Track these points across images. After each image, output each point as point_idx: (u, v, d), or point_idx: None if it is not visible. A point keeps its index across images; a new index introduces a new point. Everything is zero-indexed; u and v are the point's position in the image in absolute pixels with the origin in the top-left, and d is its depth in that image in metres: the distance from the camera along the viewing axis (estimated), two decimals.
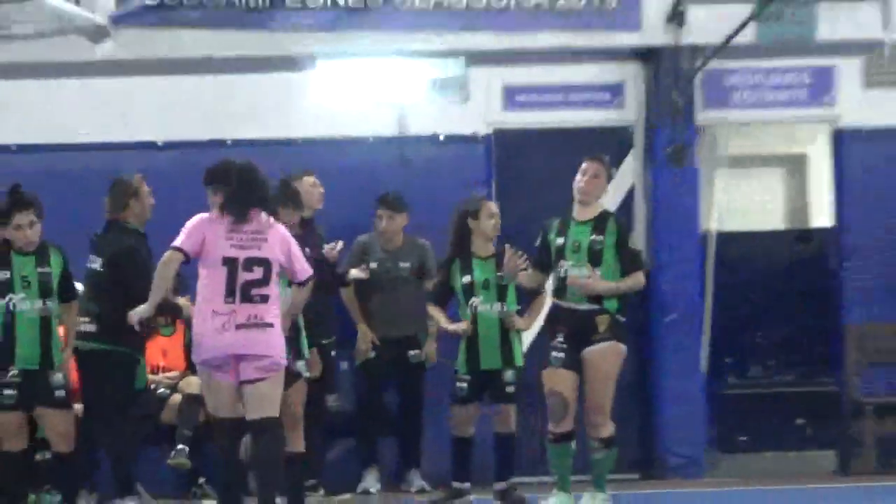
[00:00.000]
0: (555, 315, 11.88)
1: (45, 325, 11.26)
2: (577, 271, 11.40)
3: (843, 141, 16.58)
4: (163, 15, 15.68)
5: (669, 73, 16.21)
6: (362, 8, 15.96)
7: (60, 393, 11.13)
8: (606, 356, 11.72)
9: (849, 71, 16.40)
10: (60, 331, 12.36)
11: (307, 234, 12.94)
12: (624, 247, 11.78)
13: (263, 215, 9.97)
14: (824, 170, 17.35)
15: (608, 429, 11.73)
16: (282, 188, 11.48)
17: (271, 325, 9.74)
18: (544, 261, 11.83)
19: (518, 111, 16.36)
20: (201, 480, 14.40)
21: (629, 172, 16.42)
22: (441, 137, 16.09)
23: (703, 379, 15.95)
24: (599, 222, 11.91)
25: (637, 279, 11.93)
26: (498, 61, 16.31)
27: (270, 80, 16.20)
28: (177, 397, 14.63)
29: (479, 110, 16.18)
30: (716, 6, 15.92)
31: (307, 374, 10.93)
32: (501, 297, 13.10)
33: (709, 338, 16.09)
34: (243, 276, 9.79)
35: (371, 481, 14.53)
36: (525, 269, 12.03)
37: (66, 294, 11.57)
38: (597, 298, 11.50)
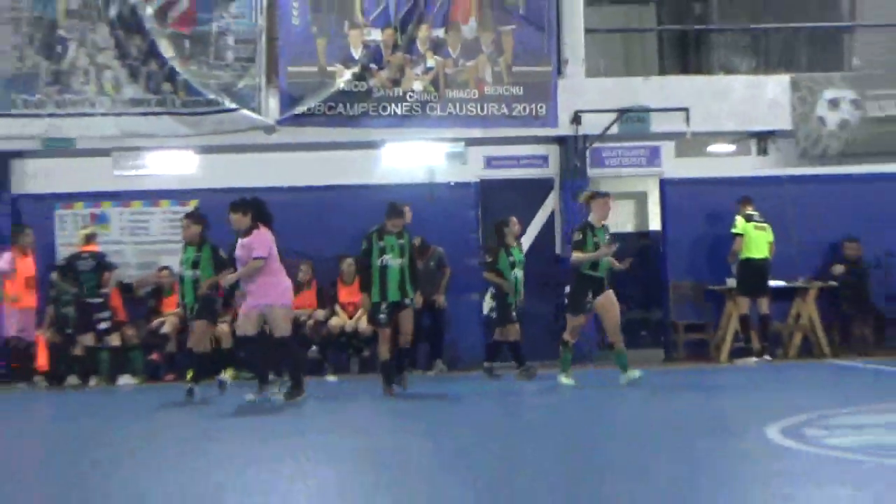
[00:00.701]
0: (587, 282, 12.99)
1: (196, 284, 12.99)
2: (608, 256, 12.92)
3: (665, 185, 17.79)
4: (304, 119, 16.42)
5: (572, 149, 17.29)
6: (409, 115, 16.79)
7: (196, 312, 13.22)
8: (613, 296, 13.18)
9: (668, 148, 17.58)
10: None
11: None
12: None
13: None
14: (655, 200, 18.70)
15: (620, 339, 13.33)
16: (394, 208, 13.04)
17: None
18: (585, 248, 12.98)
19: (493, 170, 17.62)
20: (326, 365, 15.82)
21: (552, 202, 17.58)
22: (452, 183, 17.43)
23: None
24: (606, 227, 13.32)
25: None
26: (482, 143, 17.38)
27: (361, 154, 17.49)
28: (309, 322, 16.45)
29: (472, 169, 17.52)
30: (596, 114, 16.98)
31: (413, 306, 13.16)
32: (522, 269, 15.33)
33: None
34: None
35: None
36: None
37: (220, 266, 13.24)
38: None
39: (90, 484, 8.08)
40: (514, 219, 15.83)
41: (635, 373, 12.86)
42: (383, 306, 12.58)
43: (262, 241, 12.22)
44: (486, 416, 11.67)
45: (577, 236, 13.11)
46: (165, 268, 16.29)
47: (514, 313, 14.96)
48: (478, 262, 16.47)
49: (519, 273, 15.21)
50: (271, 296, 12.12)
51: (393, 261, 12.64)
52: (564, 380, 13.02)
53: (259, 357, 12.80)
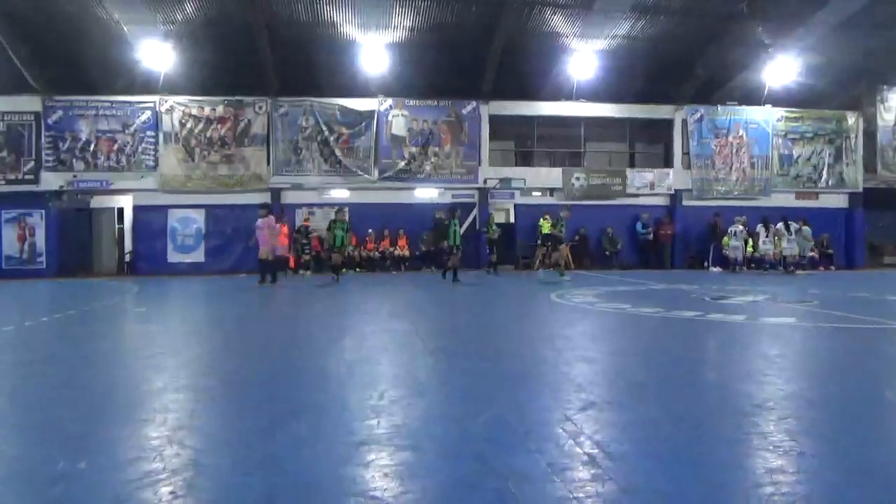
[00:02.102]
0: (556, 238, 13.47)
1: (344, 238, 13.21)
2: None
3: (517, 207, 18.52)
4: (387, 179, 17.55)
5: (483, 192, 17.93)
6: (426, 178, 17.80)
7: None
8: (566, 246, 14.07)
9: (517, 193, 18.16)
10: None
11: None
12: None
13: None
14: (511, 211, 18.70)
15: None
16: (454, 209, 14.06)
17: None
18: (556, 227, 13.51)
19: (456, 199, 17.85)
20: (392, 268, 17.00)
21: (475, 211, 18.11)
22: (442, 203, 17.77)
23: (487, 252, 16.16)
24: (567, 220, 13.65)
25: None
26: (452, 190, 17.87)
27: (409, 192, 17.90)
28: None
29: (447, 198, 17.93)
30: (492, 180, 17.89)
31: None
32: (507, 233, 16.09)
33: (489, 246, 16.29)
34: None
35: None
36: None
37: (348, 230, 13.28)
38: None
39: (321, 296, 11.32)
40: (493, 213, 17.24)
41: (566, 277, 13.36)
42: (454, 248, 13.29)
43: (273, 221, 12.69)
44: (466, 288, 12.61)
45: (554, 221, 13.88)
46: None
47: (493, 255, 15.40)
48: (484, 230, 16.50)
49: (502, 234, 16.22)
50: (270, 243, 12.51)
51: (458, 228, 13.50)
52: (565, 278, 13.11)
53: (270, 267, 12.61)
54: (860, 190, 20.04)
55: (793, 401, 3.69)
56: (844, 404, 3.70)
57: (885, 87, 19.88)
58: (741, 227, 17.39)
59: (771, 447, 2.83)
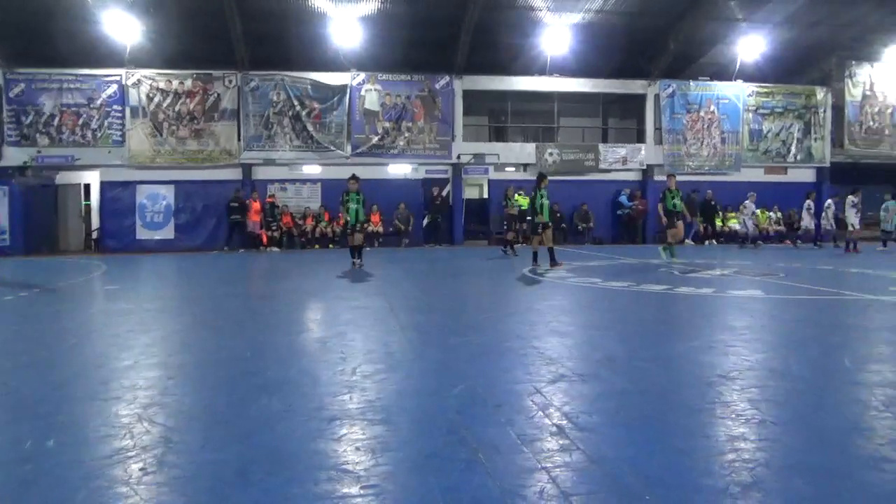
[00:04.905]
0: (672, 213, 11.47)
1: (357, 213, 10.77)
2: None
3: (491, 184, 18.52)
4: (360, 154, 17.40)
5: (457, 168, 17.95)
6: (399, 154, 17.66)
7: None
8: (682, 224, 11.80)
9: (490, 168, 18.20)
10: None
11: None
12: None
13: None
14: (486, 187, 19.02)
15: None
16: (543, 176, 11.09)
17: None
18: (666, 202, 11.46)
19: (430, 174, 17.94)
20: (376, 244, 16.96)
21: (448, 187, 18.04)
22: (414, 179, 17.92)
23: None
24: (673, 191, 11.48)
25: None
26: (425, 165, 17.82)
27: (381, 168, 17.64)
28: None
29: (421, 174, 17.98)
30: (466, 155, 17.91)
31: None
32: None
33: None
34: None
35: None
36: None
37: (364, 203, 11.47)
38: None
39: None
40: (511, 188, 15.51)
41: (673, 257, 11.71)
42: (540, 224, 10.83)
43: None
44: (443, 262, 13.30)
45: (667, 192, 11.73)
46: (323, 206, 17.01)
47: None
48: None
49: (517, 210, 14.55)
50: None
51: (546, 200, 10.88)
52: (664, 257, 11.63)
53: None
54: (827, 164, 20.36)
55: (756, 371, 3.79)
56: (805, 373, 3.80)
57: (853, 62, 20.17)
58: (749, 202, 17.26)
59: (734, 415, 2.93)
